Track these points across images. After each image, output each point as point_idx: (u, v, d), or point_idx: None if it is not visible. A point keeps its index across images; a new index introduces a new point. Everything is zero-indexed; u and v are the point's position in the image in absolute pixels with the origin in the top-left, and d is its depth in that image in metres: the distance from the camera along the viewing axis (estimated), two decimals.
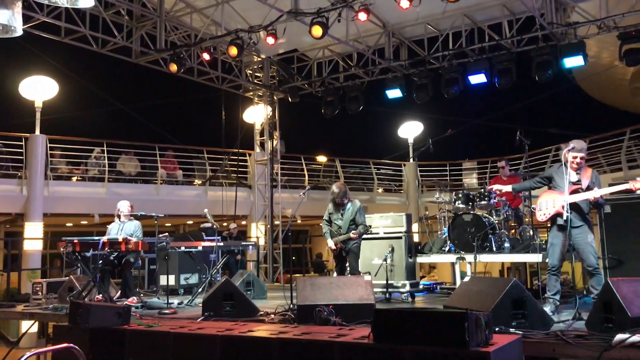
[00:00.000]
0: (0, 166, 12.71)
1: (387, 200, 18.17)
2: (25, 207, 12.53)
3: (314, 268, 17.02)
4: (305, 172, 17.10)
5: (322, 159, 18.70)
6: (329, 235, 7.66)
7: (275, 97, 15.06)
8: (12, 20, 7.17)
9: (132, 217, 8.82)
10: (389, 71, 13.03)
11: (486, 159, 18.05)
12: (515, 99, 18.70)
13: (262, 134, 15.35)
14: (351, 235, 7.41)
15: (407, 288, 8.18)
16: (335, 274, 7.94)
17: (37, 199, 12.57)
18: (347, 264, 7.53)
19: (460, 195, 8.79)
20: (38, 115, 13.19)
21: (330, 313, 5.52)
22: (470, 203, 8.66)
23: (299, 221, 17.07)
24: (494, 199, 8.54)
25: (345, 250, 7.51)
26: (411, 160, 18.49)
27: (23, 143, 12.76)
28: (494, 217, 8.56)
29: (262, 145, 15.38)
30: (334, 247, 7.57)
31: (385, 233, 8.48)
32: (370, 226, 7.72)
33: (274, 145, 14.95)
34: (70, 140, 13.87)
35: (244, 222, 16.58)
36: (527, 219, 9.02)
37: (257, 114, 15.46)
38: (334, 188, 7.62)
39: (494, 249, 8.18)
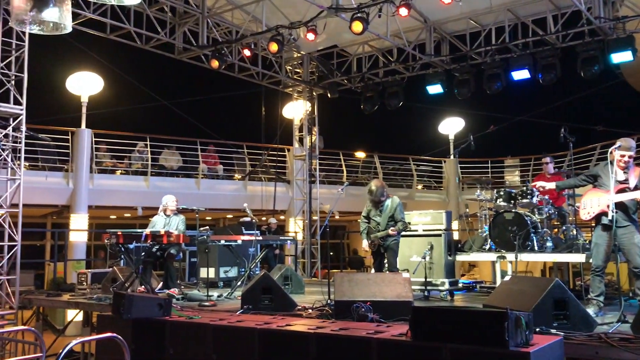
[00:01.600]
0: (48, 160, 13.04)
1: (426, 197, 18.02)
2: (71, 200, 12.89)
3: (350, 265, 17.01)
4: (344, 168, 17.10)
5: (360, 154, 18.65)
6: (365, 235, 7.60)
7: (314, 93, 15.10)
8: (62, 17, 7.39)
9: (176, 212, 9.00)
10: (430, 66, 12.91)
11: (529, 157, 17.71)
12: (559, 95, 18.26)
13: (301, 130, 15.42)
14: (390, 232, 7.37)
15: (446, 286, 8.11)
16: (373, 271, 7.92)
17: (83, 191, 12.92)
18: (386, 261, 7.49)
19: (502, 193, 8.65)
20: (84, 110, 13.54)
21: (367, 309, 5.52)
22: (512, 201, 8.51)
23: (336, 217, 17.09)
24: (537, 197, 8.37)
25: (384, 247, 7.47)
26: (452, 156, 18.29)
27: (69, 137, 13.10)
28: (536, 215, 8.39)
29: (300, 140, 15.45)
30: (367, 248, 7.54)
31: (424, 230, 8.42)
32: (409, 223, 7.65)
33: (313, 140, 15.00)
34: (114, 135, 14.21)
35: (282, 217, 16.70)
36: (570, 218, 8.81)
37: (296, 110, 15.53)
38: (372, 186, 7.57)
39: (536, 248, 8.03)
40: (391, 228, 7.37)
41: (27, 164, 12.33)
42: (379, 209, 7.55)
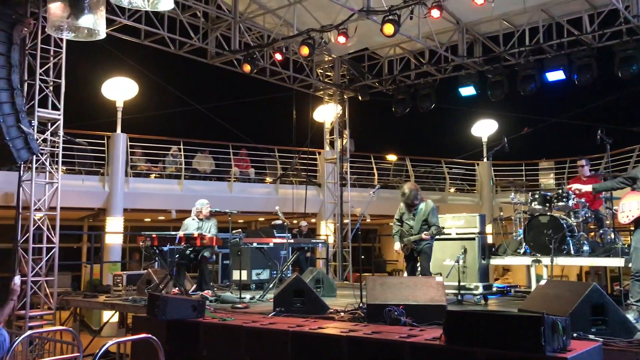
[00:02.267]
0: (84, 164, 13.30)
1: (459, 201, 17.84)
2: (107, 203, 13.13)
3: (374, 267, 16.98)
4: (375, 171, 17.05)
5: (392, 157, 18.57)
6: (397, 237, 7.55)
7: (345, 96, 15.09)
8: (96, 24, 7.57)
9: (210, 216, 9.10)
10: (462, 68, 12.78)
11: (564, 159, 17.37)
12: (595, 96, 17.87)
13: (332, 133, 15.43)
14: (423, 236, 7.30)
15: (480, 290, 8.02)
16: (405, 274, 7.86)
17: (118, 195, 13.15)
18: (418, 265, 7.42)
19: (536, 196, 8.51)
20: (119, 114, 13.80)
21: (400, 313, 5.49)
22: (547, 204, 8.36)
23: (368, 220, 17.03)
24: (573, 200, 8.20)
25: (417, 250, 7.40)
26: (485, 159, 18.07)
27: (105, 141, 13.36)
28: (572, 218, 8.22)
29: (331, 144, 15.45)
30: (400, 250, 7.49)
31: (457, 234, 8.35)
32: (442, 227, 7.57)
33: (344, 143, 14.99)
34: (149, 139, 14.43)
35: (313, 220, 16.70)
36: (608, 221, 8.61)
37: (327, 113, 15.55)
38: (405, 189, 7.51)
39: (572, 252, 7.86)
40: (424, 232, 7.31)
41: (64, 168, 12.58)
42: (412, 212, 7.48)
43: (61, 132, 9.39)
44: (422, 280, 6.17)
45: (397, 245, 7.53)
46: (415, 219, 7.44)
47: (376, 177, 16.97)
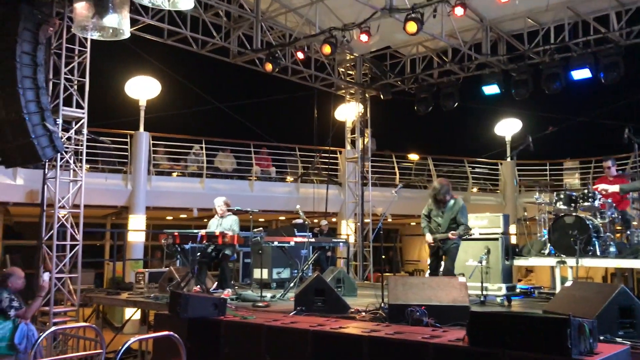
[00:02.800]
0: (108, 162, 13.45)
1: (482, 200, 17.66)
2: (130, 201, 13.26)
3: (395, 267, 16.91)
4: (397, 170, 16.96)
5: (414, 157, 18.46)
6: (427, 230, 7.43)
7: (367, 95, 15.05)
8: (121, 23, 7.64)
9: (229, 212, 9.12)
10: (486, 67, 12.66)
11: (589, 159, 17.10)
12: (622, 94, 17.55)
13: (353, 132, 15.40)
14: (450, 235, 7.19)
15: (503, 291, 7.92)
16: (427, 274, 7.80)
17: (141, 193, 13.28)
18: (442, 264, 7.33)
19: (562, 196, 8.37)
20: (142, 113, 13.90)
21: (422, 314, 5.43)
22: (573, 204, 8.22)
23: (389, 220, 16.97)
24: (599, 200, 8.05)
25: (443, 249, 7.30)
26: (508, 158, 17.86)
27: (128, 140, 13.48)
28: (598, 219, 8.07)
29: (353, 143, 15.42)
30: (431, 241, 7.34)
31: (481, 234, 8.25)
32: (471, 228, 7.43)
33: (365, 143, 14.94)
34: (171, 138, 14.54)
35: (334, 219, 16.67)
36: (635, 222, 8.43)
37: (348, 112, 15.52)
38: (436, 184, 7.39)
39: (598, 253, 7.72)
40: (451, 232, 7.21)
41: (87, 166, 12.72)
42: (441, 209, 7.35)
43: (85, 131, 9.51)
44: (444, 280, 6.11)
45: (429, 237, 7.37)
46: (443, 217, 7.31)
47: (398, 176, 16.88)
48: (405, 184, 16.30)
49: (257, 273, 10.21)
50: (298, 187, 15.50)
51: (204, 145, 14.57)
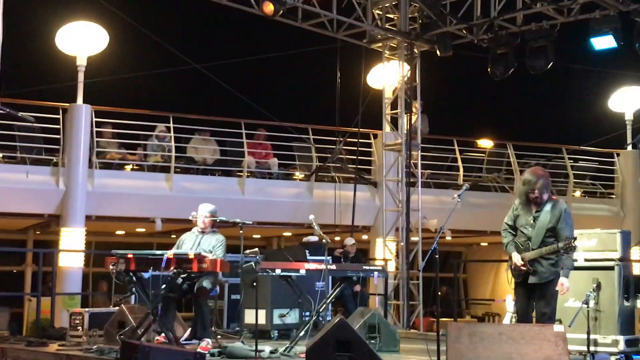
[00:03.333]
0: (30, 149, 13.47)
1: (589, 210, 17.50)
2: (62, 207, 13.29)
3: (447, 307, 16.79)
4: (460, 164, 16.88)
5: (485, 143, 18.36)
6: (512, 248, 7.30)
7: (416, 50, 14.97)
8: None
9: (215, 229, 9.18)
10: (597, 8, 12.54)
11: None
12: None
13: (394, 106, 15.33)
14: (544, 251, 7.04)
15: (621, 346, 7.93)
16: (507, 318, 7.75)
17: (78, 195, 13.30)
18: (535, 304, 7.19)
19: None
20: (80, 76, 13.90)
21: None
22: None
23: (448, 238, 16.87)
24: None
25: (537, 277, 7.13)
26: (629, 147, 17.71)
27: (60, 116, 13.50)
28: None
29: (394, 122, 15.36)
30: (520, 262, 7.16)
31: (587, 260, 8.25)
32: (575, 239, 7.10)
33: (413, 122, 14.88)
34: (124, 113, 14.60)
35: (365, 237, 16.58)
36: None
37: (388, 76, 15.46)
38: (527, 175, 7.30)
39: None
40: (546, 248, 7.09)
41: (0, 154, 12.88)
42: (532, 214, 7.29)
43: None
44: (533, 330, 6.09)
45: (517, 257, 7.20)
46: (536, 225, 7.21)
47: (461, 172, 16.79)
48: (473, 184, 16.20)
49: (249, 316, 10.21)
50: (311, 187, 15.48)
51: (172, 125, 14.59)
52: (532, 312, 7.22)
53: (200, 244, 8.93)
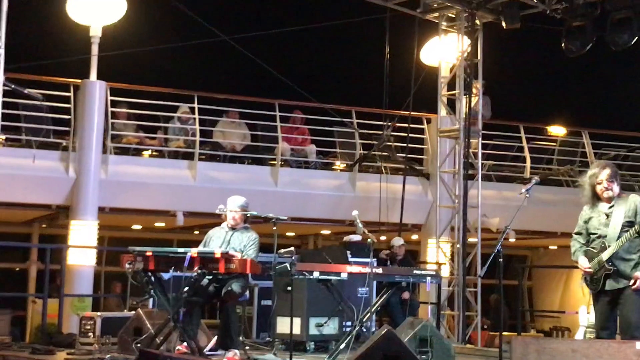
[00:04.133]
0: (36, 130, 13.58)
1: None
2: (72, 197, 13.42)
3: (509, 319, 16.66)
4: (527, 154, 16.77)
5: (557, 130, 18.19)
6: (580, 253, 7.33)
7: (478, 22, 14.88)
8: None
9: (247, 225, 9.20)
10: None
11: None
12: None
13: (452, 86, 15.24)
14: (623, 240, 7.02)
15: None
16: (580, 333, 7.68)
17: (90, 183, 13.42)
18: (618, 313, 7.13)
19: None
20: (94, 49, 13.98)
21: None
22: None
23: (511, 239, 16.76)
24: None
25: (616, 281, 7.09)
26: None
27: (71, 94, 13.62)
28: None
29: (451, 105, 15.28)
30: (587, 265, 7.19)
31: None
32: None
33: (473, 105, 14.78)
34: (142, 92, 14.68)
35: (415, 237, 16.54)
36: None
37: (444, 52, 15.37)
38: (595, 168, 7.35)
39: None
40: (623, 237, 7.03)
41: (3, 137, 12.97)
42: (605, 211, 7.27)
43: (1, 77, 9.64)
44: (611, 347, 6.03)
45: (583, 260, 7.25)
46: (610, 222, 7.19)
47: (528, 164, 16.70)
48: (543, 177, 16.05)
49: (282, 325, 10.23)
50: (354, 179, 15.48)
51: (196, 106, 14.66)
52: (615, 327, 7.17)
53: (231, 242, 8.95)
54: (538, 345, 6.10)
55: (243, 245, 8.89)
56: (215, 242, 9.05)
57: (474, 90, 14.81)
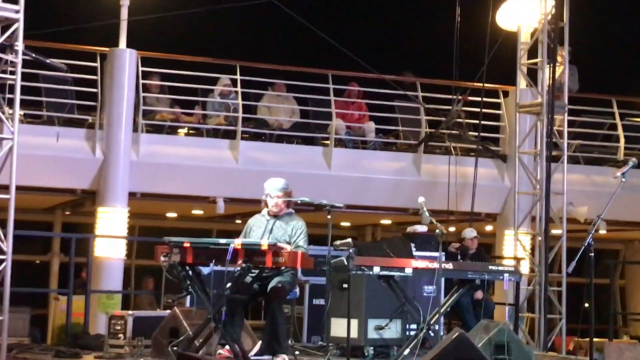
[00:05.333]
0: (60, 105, 13.68)
1: None
2: (99, 181, 13.56)
3: (599, 323, 16.46)
4: (620, 133, 16.58)
5: None
6: None
7: None
8: None
9: (292, 211, 9.18)
10: None
11: None
12: None
13: (532, 54, 15.11)
14: None
15: None
16: None
17: (120, 166, 13.57)
18: None
19: None
20: (124, 13, 14.08)
21: None
22: None
23: (602, 231, 16.59)
24: None
25: None
26: None
27: (97, 64, 13.74)
28: None
29: (531, 75, 15.14)
30: None
31: None
32: None
33: (558, 76, 14.65)
34: (177, 62, 14.70)
35: (489, 228, 16.47)
36: None
37: (524, 14, 15.23)
38: None
39: None
40: None
41: (22, 112, 13.09)
42: None
43: (20, 45, 9.73)
44: None
45: None
46: None
47: (622, 144, 16.54)
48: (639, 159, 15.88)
49: (337, 327, 10.24)
50: (419, 161, 15.46)
51: (238, 77, 14.70)
52: None
53: (273, 231, 8.95)
54: (636, 352, 6.04)
55: (288, 235, 8.87)
56: (256, 232, 9.06)
57: (558, 59, 14.66)
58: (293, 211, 9.24)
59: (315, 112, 15.32)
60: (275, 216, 9.09)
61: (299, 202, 9.17)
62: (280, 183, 9.18)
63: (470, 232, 13.25)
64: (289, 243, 8.78)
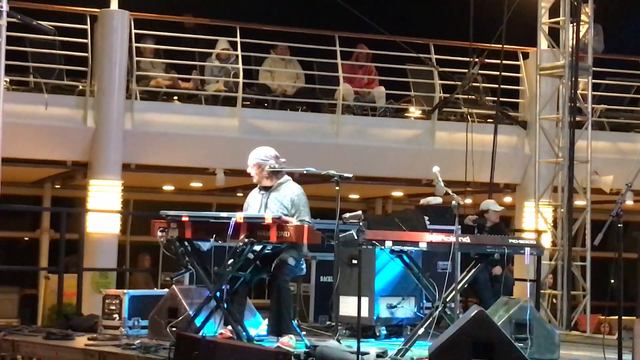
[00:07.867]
0: (47, 71, 13.67)
1: None
2: (91, 151, 13.60)
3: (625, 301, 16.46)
4: None
5: None
6: None
7: None
8: None
9: (287, 178, 9.14)
10: None
11: None
12: None
13: (554, 12, 15.03)
14: None
15: None
16: None
17: (112, 135, 13.59)
18: None
19: None
20: None
21: None
22: None
23: (629, 202, 16.57)
24: None
25: None
26: None
27: (87, 26, 13.73)
28: None
29: (553, 35, 15.08)
30: None
31: None
32: None
33: (581, 36, 14.59)
34: (173, 24, 14.75)
35: (508, 199, 16.46)
36: None
37: None
38: None
39: None
40: None
41: (7, 79, 13.07)
42: None
43: (5, 6, 9.70)
44: None
45: None
46: None
47: None
48: None
49: (347, 305, 10.21)
50: (433, 129, 15.49)
51: (238, 40, 14.68)
52: None
53: (268, 205, 8.89)
54: None
55: (285, 207, 8.78)
56: (253, 208, 9.03)
57: (582, 17, 14.60)
58: (289, 178, 9.12)
59: (321, 76, 15.28)
60: (268, 188, 9.03)
61: (304, 171, 9.14)
62: (257, 153, 9.02)
63: (490, 204, 13.23)
64: (287, 214, 8.72)
